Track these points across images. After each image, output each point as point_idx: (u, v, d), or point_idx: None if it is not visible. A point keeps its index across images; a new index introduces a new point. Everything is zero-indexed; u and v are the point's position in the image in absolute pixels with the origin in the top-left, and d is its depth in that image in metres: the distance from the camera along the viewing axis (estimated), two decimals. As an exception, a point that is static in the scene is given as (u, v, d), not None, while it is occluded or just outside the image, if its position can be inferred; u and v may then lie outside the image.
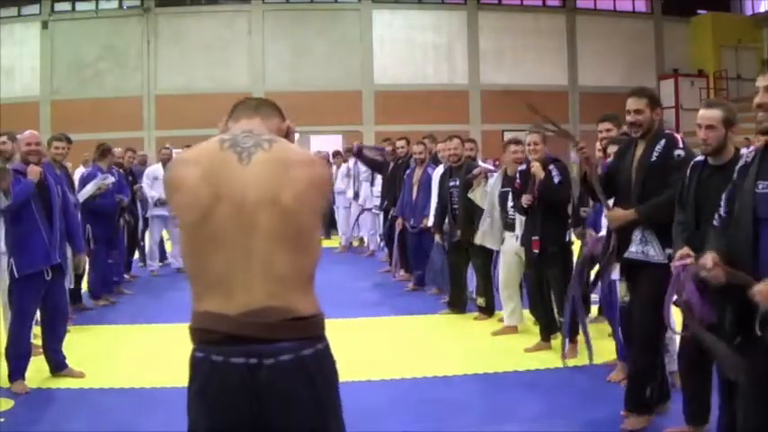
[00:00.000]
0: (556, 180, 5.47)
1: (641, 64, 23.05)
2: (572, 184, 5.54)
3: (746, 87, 21.77)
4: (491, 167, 7.39)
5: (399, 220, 8.80)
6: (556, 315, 5.68)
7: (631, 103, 4.03)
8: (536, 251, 5.56)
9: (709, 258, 2.72)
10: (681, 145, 3.95)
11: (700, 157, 3.59)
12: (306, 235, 1.98)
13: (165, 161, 10.02)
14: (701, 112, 3.52)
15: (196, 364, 1.93)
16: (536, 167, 5.50)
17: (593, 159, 4.32)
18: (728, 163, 3.31)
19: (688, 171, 3.63)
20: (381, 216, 10.49)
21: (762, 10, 24.37)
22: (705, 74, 23.22)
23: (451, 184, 7.19)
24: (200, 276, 1.95)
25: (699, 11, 23.68)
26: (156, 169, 10.08)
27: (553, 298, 5.70)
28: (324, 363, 1.96)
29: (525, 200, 5.61)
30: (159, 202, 9.76)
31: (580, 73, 23.07)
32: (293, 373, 1.89)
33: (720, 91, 22.53)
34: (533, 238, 5.57)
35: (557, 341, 5.78)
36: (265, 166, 1.96)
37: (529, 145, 5.66)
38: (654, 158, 3.94)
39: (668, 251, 3.76)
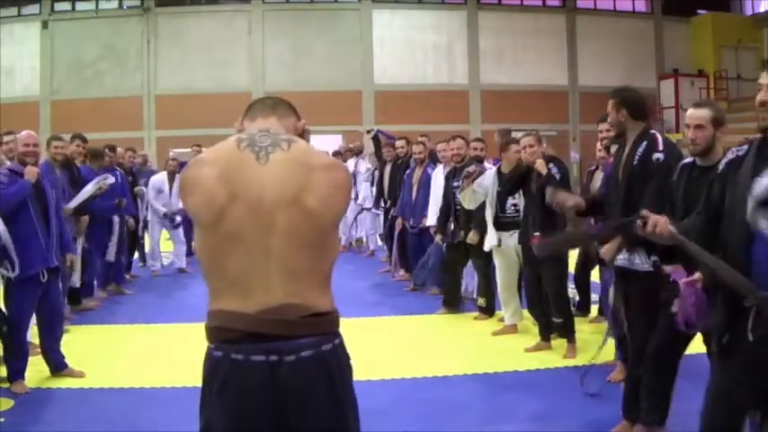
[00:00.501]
0: (556, 177, 5.49)
1: (641, 64, 23.06)
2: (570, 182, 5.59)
3: (746, 87, 21.79)
4: (489, 167, 7.37)
5: (399, 220, 8.81)
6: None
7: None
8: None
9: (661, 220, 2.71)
10: (660, 148, 3.88)
11: (688, 159, 3.56)
12: (325, 236, 2.00)
13: (171, 172, 9.98)
14: (690, 111, 3.49)
15: (214, 364, 1.92)
16: (539, 163, 5.53)
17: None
18: (718, 164, 3.29)
19: (676, 173, 3.59)
20: (381, 216, 10.48)
21: (762, 10, 24.39)
22: (705, 74, 23.24)
23: (455, 184, 7.18)
24: (217, 275, 1.96)
25: (699, 11, 23.70)
26: (160, 181, 9.99)
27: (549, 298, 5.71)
28: (341, 358, 1.99)
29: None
30: (167, 215, 9.76)
31: (580, 73, 23.09)
32: (313, 369, 1.91)
33: (720, 91, 22.55)
34: (534, 234, 5.57)
35: (556, 341, 5.78)
36: (284, 165, 1.97)
37: (524, 148, 5.69)
38: (635, 162, 3.90)
39: (653, 258, 3.75)
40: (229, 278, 1.93)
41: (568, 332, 5.60)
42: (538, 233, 5.55)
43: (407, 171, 8.84)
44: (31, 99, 20.82)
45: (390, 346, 6.19)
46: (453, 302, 7.27)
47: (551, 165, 5.55)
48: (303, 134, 2.19)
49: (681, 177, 3.54)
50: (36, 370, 5.13)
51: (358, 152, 12.52)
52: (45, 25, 21.41)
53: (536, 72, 22.55)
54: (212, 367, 1.93)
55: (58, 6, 21.76)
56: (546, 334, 5.82)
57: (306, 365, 1.89)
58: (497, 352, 5.81)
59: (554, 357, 5.54)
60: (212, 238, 1.95)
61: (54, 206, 5.21)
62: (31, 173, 5.00)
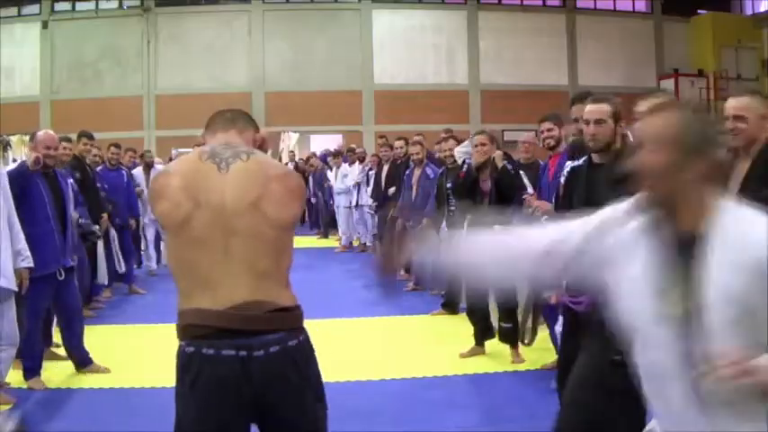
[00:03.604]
0: (512, 173, 5.51)
1: (641, 64, 23.05)
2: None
3: (747, 87, 21.78)
4: None
5: (399, 221, 8.80)
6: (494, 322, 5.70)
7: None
8: None
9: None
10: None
11: (577, 162, 3.46)
12: (283, 237, 2.19)
13: (147, 165, 9.99)
14: (589, 107, 3.37)
15: (187, 359, 2.07)
16: (497, 155, 5.52)
17: None
18: (614, 162, 3.11)
19: (565, 176, 3.51)
20: (377, 217, 10.49)
21: (762, 10, 24.36)
22: (705, 74, 23.22)
23: (448, 185, 7.18)
24: (186, 276, 2.13)
25: (699, 11, 23.68)
26: (137, 175, 9.79)
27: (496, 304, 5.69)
28: (306, 352, 2.17)
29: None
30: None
31: (580, 73, 23.07)
32: (282, 362, 2.08)
33: (720, 91, 22.52)
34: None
35: (492, 345, 5.76)
36: (244, 174, 2.14)
37: (476, 146, 5.65)
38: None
39: None
40: (197, 278, 2.09)
41: (515, 339, 5.54)
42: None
43: (407, 171, 8.85)
44: (31, 99, 20.80)
45: (389, 345, 6.19)
46: (453, 306, 7.25)
47: (505, 162, 5.55)
48: (263, 143, 2.36)
49: (575, 182, 3.43)
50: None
51: (361, 158, 12.51)
52: (45, 25, 21.40)
53: (536, 72, 22.53)
54: (185, 363, 2.08)
55: (58, 6, 21.73)
56: (482, 339, 5.78)
57: (274, 359, 2.05)
58: (496, 352, 5.81)
59: (551, 357, 5.54)
60: (179, 241, 2.13)
61: (71, 207, 5.25)
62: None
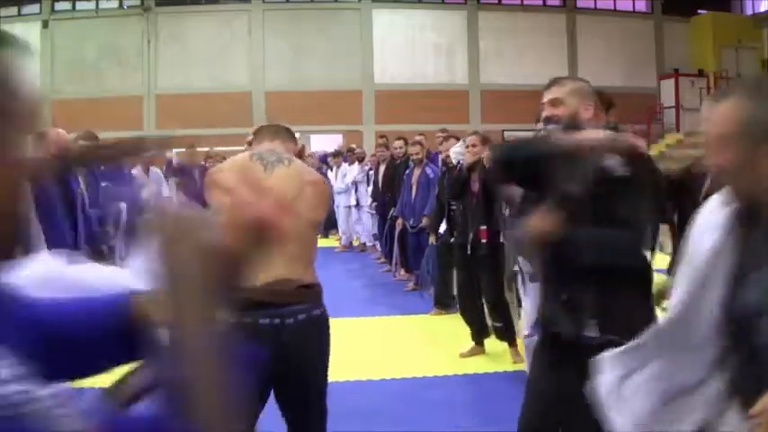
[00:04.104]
0: None
1: (641, 64, 23.06)
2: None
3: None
4: None
5: (399, 221, 8.82)
6: (488, 321, 5.68)
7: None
8: (484, 240, 5.47)
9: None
10: None
11: None
12: (310, 233, 2.68)
13: (146, 165, 9.92)
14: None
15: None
16: (487, 156, 5.54)
17: None
18: None
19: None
20: (377, 216, 10.50)
21: (762, 10, 24.37)
22: (705, 74, 23.22)
23: (448, 184, 7.19)
24: None
25: (699, 11, 23.68)
26: (138, 176, 9.34)
27: (485, 304, 5.68)
28: (325, 321, 2.65)
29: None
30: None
31: (580, 73, 23.04)
32: (308, 327, 2.52)
33: (720, 91, 22.51)
34: (481, 227, 5.50)
35: (491, 345, 5.76)
36: (285, 177, 2.60)
37: (468, 147, 5.67)
38: None
39: None
40: None
41: (510, 336, 5.54)
42: (485, 227, 5.49)
43: (407, 171, 8.86)
44: (30, 98, 20.81)
45: (389, 345, 6.19)
46: (443, 302, 7.24)
47: None
48: (302, 152, 2.83)
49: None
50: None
51: (360, 158, 12.52)
52: (45, 25, 21.40)
53: (536, 72, 22.46)
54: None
55: (59, 6, 21.74)
56: (479, 338, 5.78)
57: (302, 325, 2.50)
58: (496, 352, 5.81)
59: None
60: None
61: (80, 205, 5.24)
62: None
